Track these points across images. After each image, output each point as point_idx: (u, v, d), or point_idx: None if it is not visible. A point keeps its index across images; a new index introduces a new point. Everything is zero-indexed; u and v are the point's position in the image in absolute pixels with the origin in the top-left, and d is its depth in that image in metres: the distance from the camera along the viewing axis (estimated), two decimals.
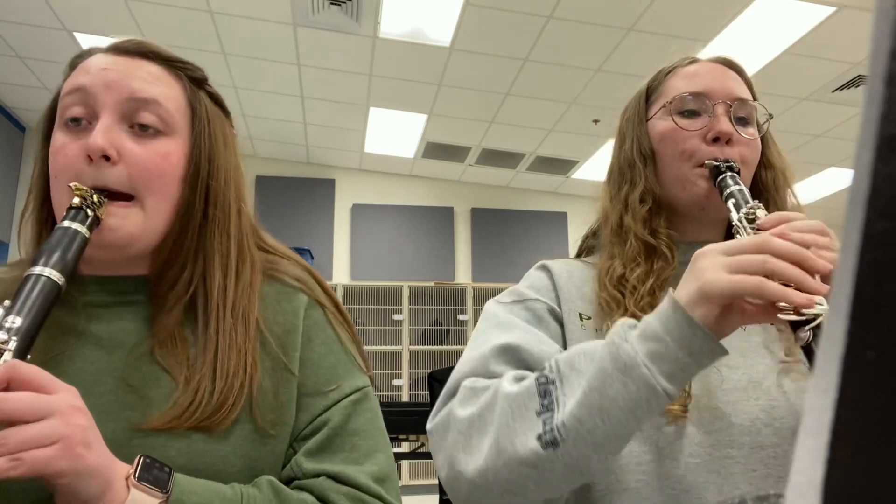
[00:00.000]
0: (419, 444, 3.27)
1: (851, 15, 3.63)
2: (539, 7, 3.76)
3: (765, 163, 0.94)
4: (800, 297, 0.61)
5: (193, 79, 0.82)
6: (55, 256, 0.66)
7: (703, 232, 0.93)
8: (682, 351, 0.64)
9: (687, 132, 0.90)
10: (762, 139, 0.94)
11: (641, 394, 0.63)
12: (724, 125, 0.88)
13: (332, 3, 3.81)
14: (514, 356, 0.79)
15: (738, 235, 0.76)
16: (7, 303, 0.63)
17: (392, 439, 3.36)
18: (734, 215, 0.80)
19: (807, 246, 0.66)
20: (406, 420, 2.86)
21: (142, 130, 0.76)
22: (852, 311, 0.16)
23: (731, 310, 0.65)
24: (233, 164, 0.83)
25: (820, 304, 0.62)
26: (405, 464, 5.17)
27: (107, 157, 0.73)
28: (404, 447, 3.40)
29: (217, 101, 0.85)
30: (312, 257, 5.69)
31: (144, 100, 0.76)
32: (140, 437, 0.69)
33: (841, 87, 4.38)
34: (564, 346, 0.85)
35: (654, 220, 0.91)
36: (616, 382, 0.64)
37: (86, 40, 4.29)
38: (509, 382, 0.73)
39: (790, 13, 3.68)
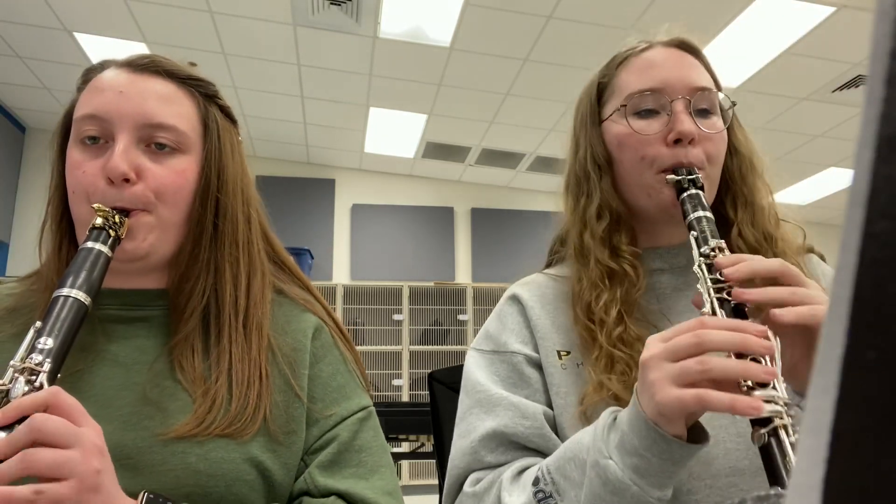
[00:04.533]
0: (419, 444, 3.27)
1: (851, 15, 3.63)
2: (539, 7, 3.76)
3: (730, 149, 0.89)
4: (743, 407, 0.58)
5: (205, 94, 0.85)
6: (81, 278, 0.69)
7: (676, 234, 0.88)
8: (665, 463, 0.64)
9: (645, 136, 0.84)
10: (728, 126, 0.88)
11: None
12: (685, 125, 0.82)
13: (332, 3, 3.81)
14: (502, 441, 0.81)
15: (698, 283, 0.73)
16: (38, 324, 0.65)
17: (392, 439, 3.35)
18: (695, 254, 0.74)
19: (752, 280, 0.66)
20: (406, 420, 2.86)
21: (158, 149, 0.78)
22: (852, 311, 0.16)
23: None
24: (240, 174, 0.85)
25: (770, 402, 0.59)
26: (405, 464, 5.17)
27: (126, 179, 0.75)
28: (404, 447, 3.39)
29: (226, 112, 0.88)
30: (312, 257, 5.69)
31: (160, 124, 0.78)
32: (161, 444, 0.71)
33: (841, 87, 4.38)
34: (547, 393, 0.84)
35: (615, 237, 0.86)
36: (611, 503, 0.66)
37: (86, 40, 4.29)
38: (509, 491, 0.74)
39: (790, 13, 3.68)
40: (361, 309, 5.64)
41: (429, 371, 1.56)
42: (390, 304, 5.66)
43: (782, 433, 0.59)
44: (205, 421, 0.73)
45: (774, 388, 0.61)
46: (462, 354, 5.68)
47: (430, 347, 5.62)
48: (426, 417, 2.22)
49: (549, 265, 1.02)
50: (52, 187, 0.82)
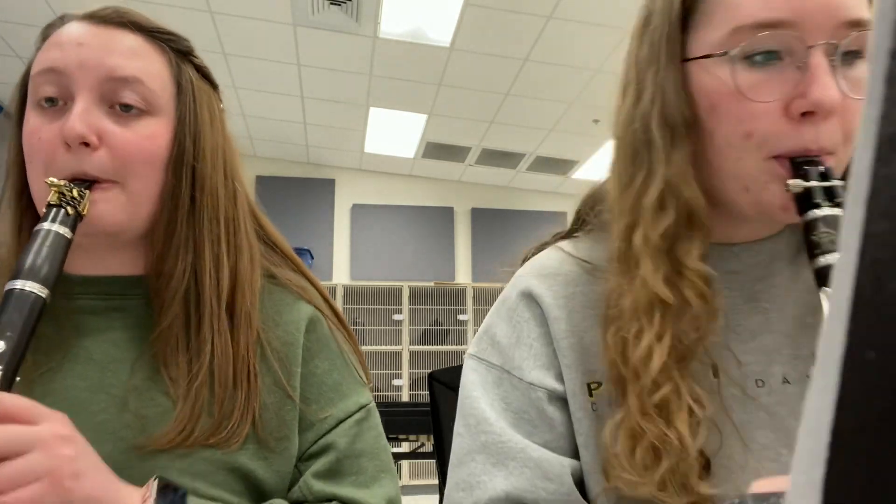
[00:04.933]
0: (419, 444, 3.27)
1: None
2: (539, 7, 3.76)
3: None
4: None
5: (178, 50, 0.75)
6: (36, 267, 0.60)
7: (765, 228, 0.65)
8: None
9: (759, 104, 0.55)
10: None
11: None
12: (825, 89, 0.53)
13: (332, 3, 3.81)
14: None
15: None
16: None
17: (392, 439, 3.35)
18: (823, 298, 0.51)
19: None
20: (406, 420, 2.86)
21: (123, 111, 0.68)
22: (852, 311, 0.16)
23: None
24: (221, 143, 0.75)
25: None
26: (405, 464, 5.17)
27: (86, 144, 0.66)
28: (404, 447, 3.39)
29: (204, 73, 0.77)
30: (312, 257, 5.70)
31: (125, 78, 0.68)
32: (139, 457, 0.65)
33: None
34: (573, 438, 0.65)
35: (680, 246, 0.59)
36: None
37: None
38: None
39: None
40: (361, 309, 5.65)
41: (429, 371, 1.55)
42: (390, 304, 5.67)
43: None
44: (185, 429, 0.65)
45: None
46: (462, 354, 5.67)
47: (430, 347, 5.63)
48: (426, 417, 2.21)
49: (570, 235, 0.77)
50: (9, 160, 0.72)
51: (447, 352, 5.63)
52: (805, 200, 0.54)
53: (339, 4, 3.82)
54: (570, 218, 0.77)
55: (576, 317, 0.66)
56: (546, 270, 0.70)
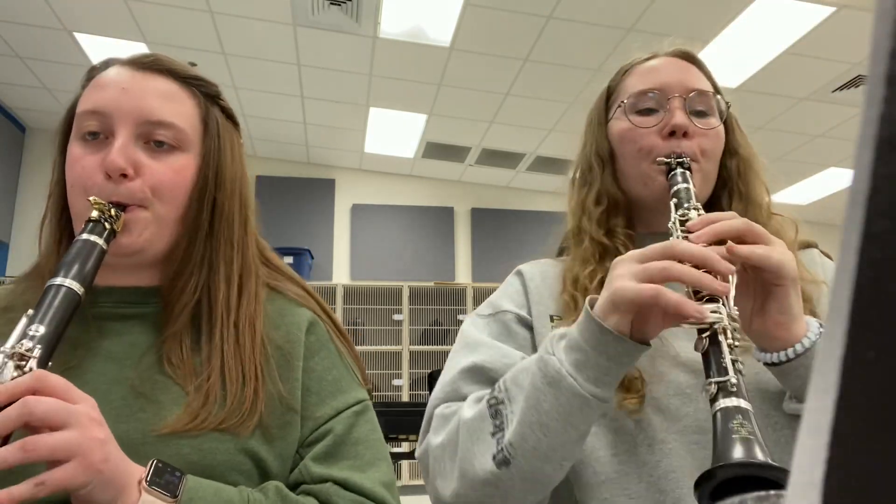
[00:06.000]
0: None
1: (851, 15, 3.63)
2: (539, 7, 3.76)
3: (728, 150, 0.94)
4: (689, 308, 0.64)
5: (207, 94, 0.85)
6: (75, 268, 0.70)
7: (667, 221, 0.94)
8: (601, 357, 0.67)
9: (643, 129, 0.90)
10: (726, 127, 0.93)
11: (573, 403, 0.68)
12: (678, 118, 0.88)
13: (332, 3, 3.82)
14: (481, 375, 0.83)
15: (671, 237, 0.77)
16: (31, 312, 0.66)
17: (392, 439, 3.35)
18: (672, 214, 0.80)
19: (724, 242, 0.70)
20: (406, 420, 2.86)
21: (157, 147, 0.79)
22: (852, 311, 0.16)
23: (649, 315, 0.68)
24: (239, 175, 0.86)
25: (716, 312, 0.64)
26: (405, 464, 5.17)
27: (124, 175, 0.76)
28: (404, 447, 3.40)
29: (228, 114, 0.88)
30: (312, 257, 5.69)
31: (160, 122, 0.79)
32: (155, 437, 0.72)
33: (841, 87, 4.38)
34: (534, 349, 0.87)
35: (612, 220, 0.92)
36: (548, 396, 0.69)
37: (86, 40, 4.29)
38: (469, 406, 0.78)
39: (790, 13, 3.68)
40: (361, 309, 5.64)
41: (429, 371, 1.56)
42: (390, 304, 5.66)
43: (720, 336, 0.64)
44: (199, 415, 0.73)
45: (724, 304, 0.66)
46: None
47: (430, 347, 5.62)
48: None
49: (560, 254, 1.06)
50: (52, 183, 0.83)
51: (447, 352, 5.56)
52: (668, 170, 0.87)
53: (339, 4, 3.82)
54: (569, 218, 1.03)
55: (548, 279, 0.95)
56: (533, 261, 1.02)
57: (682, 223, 0.78)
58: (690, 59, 0.96)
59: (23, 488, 0.56)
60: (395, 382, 5.48)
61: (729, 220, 0.73)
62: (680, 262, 0.67)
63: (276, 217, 5.75)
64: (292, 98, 5.02)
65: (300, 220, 5.99)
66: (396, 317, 5.62)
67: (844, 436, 0.16)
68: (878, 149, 0.16)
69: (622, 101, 0.93)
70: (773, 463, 0.54)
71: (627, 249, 0.86)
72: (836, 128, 4.96)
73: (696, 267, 0.67)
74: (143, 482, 0.64)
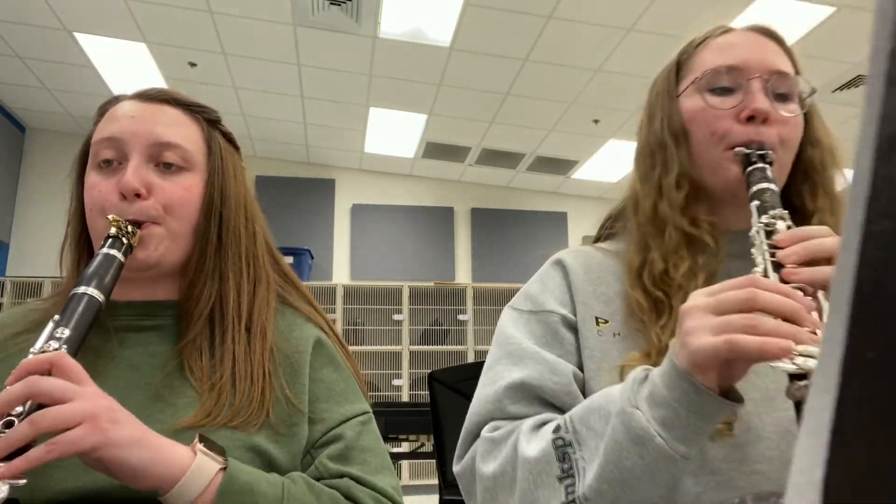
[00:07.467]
0: (419, 444, 3.27)
1: (851, 15, 3.63)
2: (539, 7, 3.77)
3: (810, 140, 0.86)
4: (772, 347, 0.57)
5: (209, 120, 0.94)
6: (96, 279, 0.77)
7: (741, 218, 0.82)
8: (693, 416, 0.62)
9: (718, 111, 0.82)
10: (806, 115, 0.86)
11: (659, 463, 0.63)
12: (760, 102, 0.79)
13: (332, 3, 3.82)
14: (528, 393, 0.78)
15: (752, 248, 0.71)
16: (57, 317, 0.73)
17: (392, 439, 3.34)
18: (754, 220, 0.73)
19: (813, 262, 0.64)
20: (406, 420, 2.86)
21: (166, 168, 0.87)
22: (852, 311, 0.16)
23: (733, 361, 0.62)
24: (243, 193, 0.94)
25: (810, 357, 0.57)
26: (405, 464, 5.17)
27: (138, 195, 0.84)
28: (404, 447, 3.39)
29: (229, 139, 0.96)
30: (312, 257, 5.69)
31: (168, 143, 0.87)
32: (170, 434, 0.76)
33: (841, 87, 4.38)
34: (580, 357, 0.82)
35: (694, 207, 0.82)
36: (632, 454, 0.63)
37: (86, 40, 4.29)
38: (528, 438, 0.72)
39: (790, 13, 3.68)
40: (361, 309, 5.64)
41: (429, 371, 1.56)
42: (390, 304, 5.66)
43: None
44: (211, 413, 0.79)
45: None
46: (462, 354, 5.68)
47: (430, 347, 5.62)
48: (426, 417, 2.22)
49: (598, 240, 0.99)
50: (71, 210, 0.92)
51: (447, 352, 5.62)
52: (746, 162, 0.79)
53: (339, 4, 3.82)
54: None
55: (592, 274, 0.87)
56: (573, 249, 0.93)
57: (768, 234, 0.70)
58: (773, 36, 0.87)
59: (37, 452, 0.61)
60: (395, 382, 5.48)
61: (822, 239, 0.66)
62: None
63: (275, 217, 5.67)
64: (292, 98, 5.02)
65: (300, 220, 5.99)
66: (396, 317, 5.62)
67: (844, 436, 0.16)
68: (878, 149, 0.16)
69: (696, 77, 0.85)
70: None
71: (717, 242, 0.80)
72: (836, 128, 4.95)
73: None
74: (198, 444, 0.70)
